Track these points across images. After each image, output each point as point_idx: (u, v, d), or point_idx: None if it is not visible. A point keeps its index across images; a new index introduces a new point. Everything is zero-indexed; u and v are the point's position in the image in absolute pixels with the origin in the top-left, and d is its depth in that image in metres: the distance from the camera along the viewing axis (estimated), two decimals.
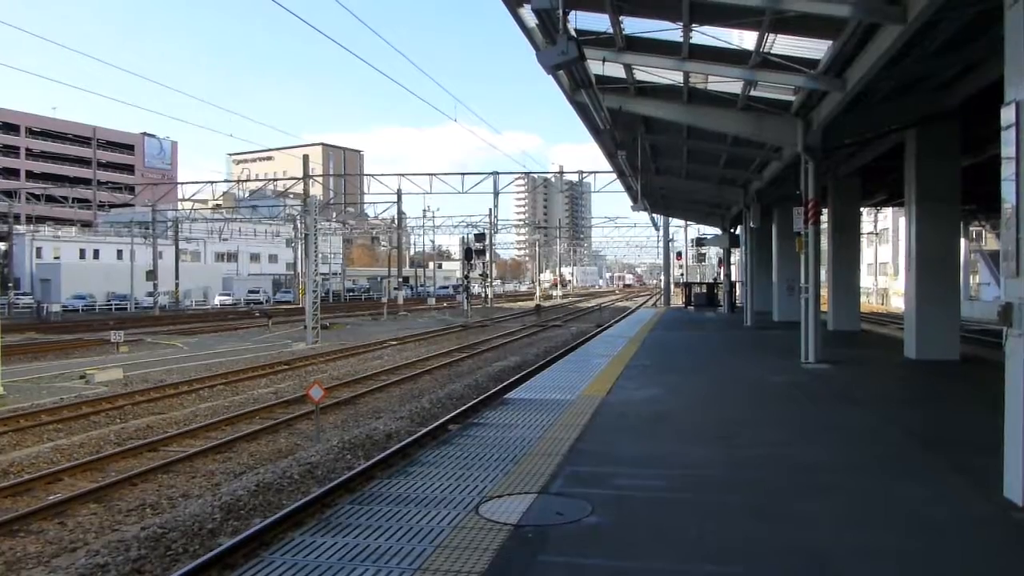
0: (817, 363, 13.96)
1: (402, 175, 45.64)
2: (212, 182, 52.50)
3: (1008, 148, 5.42)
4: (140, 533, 7.50)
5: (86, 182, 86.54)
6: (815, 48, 11.19)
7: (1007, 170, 5.44)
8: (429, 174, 43.90)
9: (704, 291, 44.09)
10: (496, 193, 45.77)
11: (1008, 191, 5.44)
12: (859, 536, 4.94)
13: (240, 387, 17.47)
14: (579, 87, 11.48)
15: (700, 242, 50.37)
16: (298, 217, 56.36)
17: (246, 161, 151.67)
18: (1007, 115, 5.44)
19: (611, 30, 11.32)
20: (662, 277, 60.25)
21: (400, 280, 55.94)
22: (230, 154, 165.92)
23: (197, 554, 6.97)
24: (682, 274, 67.40)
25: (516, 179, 51.68)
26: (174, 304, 60.72)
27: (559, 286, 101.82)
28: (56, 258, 70.10)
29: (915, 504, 5.65)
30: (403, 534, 5.03)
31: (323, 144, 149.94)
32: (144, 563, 6.84)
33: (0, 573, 6.77)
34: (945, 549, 4.80)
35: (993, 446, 5.85)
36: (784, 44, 11.23)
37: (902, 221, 29.07)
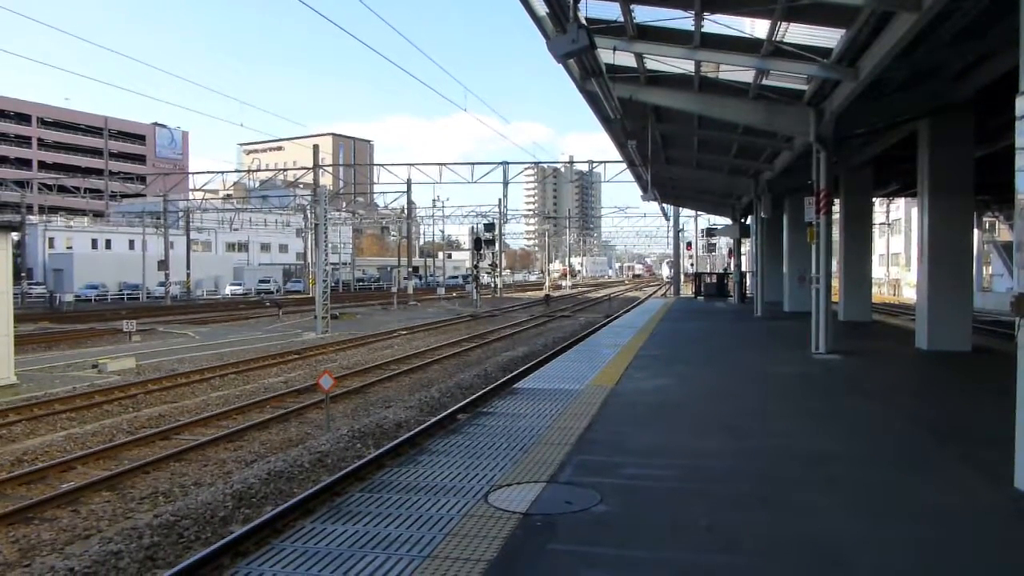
0: (828, 354, 13.92)
1: (412, 165, 45.70)
2: (223, 172, 52.78)
3: (1022, 139, 5.38)
4: (153, 521, 7.57)
5: (98, 172, 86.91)
6: (828, 37, 11.10)
7: (1021, 160, 5.40)
8: (439, 164, 43.99)
9: (714, 281, 43.92)
10: (506, 183, 45.66)
11: (1022, 182, 5.39)
12: (868, 527, 4.94)
13: (251, 376, 17.57)
14: (589, 76, 11.43)
15: (711, 232, 50.21)
16: (308, 207, 56.52)
17: (257, 151, 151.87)
18: (1021, 105, 5.39)
19: (622, 18, 11.27)
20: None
21: (410, 270, 55.99)
22: (240, 144, 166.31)
23: (209, 541, 7.03)
24: (692, 264, 67.18)
25: (526, 169, 51.60)
26: (186, 294, 61.02)
27: (568, 276, 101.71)
28: (68, 248, 70.51)
29: (925, 495, 5.65)
30: (413, 522, 5.06)
31: (333, 134, 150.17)
32: (157, 550, 6.90)
33: (15, 560, 6.85)
34: (954, 539, 4.79)
35: (1004, 438, 5.83)
36: (797, 33, 11.14)
37: (914, 211, 28.88)
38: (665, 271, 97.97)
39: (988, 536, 4.87)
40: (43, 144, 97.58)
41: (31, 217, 68.10)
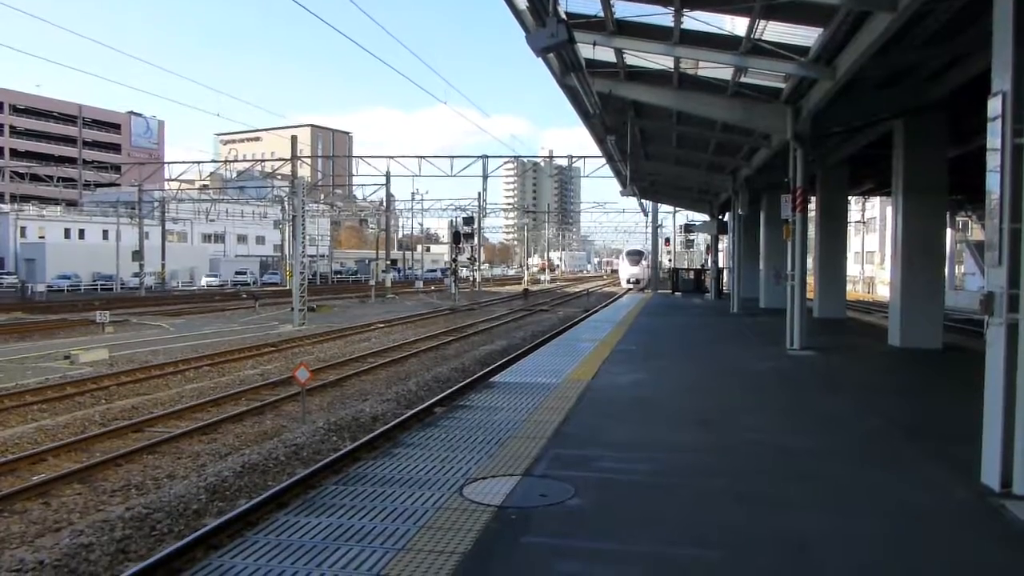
0: (802, 350, 14.06)
1: (391, 158, 45.12)
2: (199, 162, 52.21)
3: (994, 139, 5.45)
4: (125, 513, 7.50)
5: (71, 161, 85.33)
6: (806, 35, 11.19)
7: (992, 161, 5.48)
8: (418, 157, 43.59)
9: (691, 277, 44.20)
10: (485, 177, 45.61)
11: (993, 182, 5.48)
12: (839, 521, 5.00)
13: (226, 368, 17.42)
14: (569, 71, 11.45)
15: (688, 228, 50.42)
16: (286, 198, 56.07)
17: (234, 142, 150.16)
18: (993, 106, 5.46)
19: (602, 14, 11.28)
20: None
21: (388, 263, 55.70)
22: (217, 134, 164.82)
23: (182, 534, 6.98)
24: (670, 259, 67.48)
25: (505, 163, 51.53)
26: (160, 285, 60.37)
27: (547, 271, 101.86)
28: (41, 238, 69.37)
29: (895, 490, 5.73)
30: (387, 515, 5.05)
31: (312, 125, 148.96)
32: (129, 543, 6.84)
33: None
34: (922, 533, 4.87)
35: (972, 434, 5.92)
36: (775, 31, 11.22)
37: (889, 210, 29.20)
38: (625, 269, 60.91)
39: (953, 530, 4.96)
40: (15, 131, 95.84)
41: (2, 206, 67.00)
